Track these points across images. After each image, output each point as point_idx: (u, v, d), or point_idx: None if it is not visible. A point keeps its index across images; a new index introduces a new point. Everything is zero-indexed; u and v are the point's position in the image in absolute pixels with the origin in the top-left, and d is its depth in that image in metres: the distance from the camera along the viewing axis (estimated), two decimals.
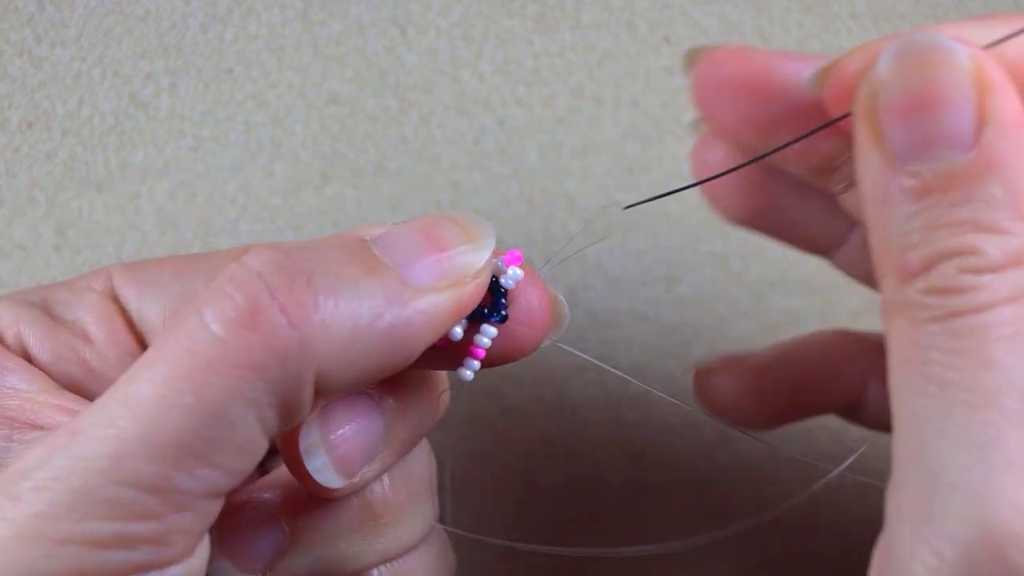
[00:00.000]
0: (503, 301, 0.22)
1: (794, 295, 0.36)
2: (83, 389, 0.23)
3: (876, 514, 0.37)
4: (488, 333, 0.22)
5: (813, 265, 0.36)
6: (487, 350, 0.22)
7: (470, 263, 0.21)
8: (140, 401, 0.17)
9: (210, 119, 0.36)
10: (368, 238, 0.20)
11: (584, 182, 0.36)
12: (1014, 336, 0.18)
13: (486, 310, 0.22)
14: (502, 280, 0.22)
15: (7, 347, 0.23)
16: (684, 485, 0.35)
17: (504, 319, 0.22)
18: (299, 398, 0.19)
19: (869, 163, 0.19)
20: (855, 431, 0.36)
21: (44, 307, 0.24)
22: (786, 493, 0.36)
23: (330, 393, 0.20)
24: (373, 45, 0.37)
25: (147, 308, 0.24)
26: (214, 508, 0.19)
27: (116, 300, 0.24)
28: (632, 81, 0.37)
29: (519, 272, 0.22)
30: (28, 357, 0.23)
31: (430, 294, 0.20)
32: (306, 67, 0.36)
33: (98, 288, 0.24)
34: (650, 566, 0.35)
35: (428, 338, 0.20)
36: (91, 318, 0.24)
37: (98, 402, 0.18)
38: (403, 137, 0.36)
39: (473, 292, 0.21)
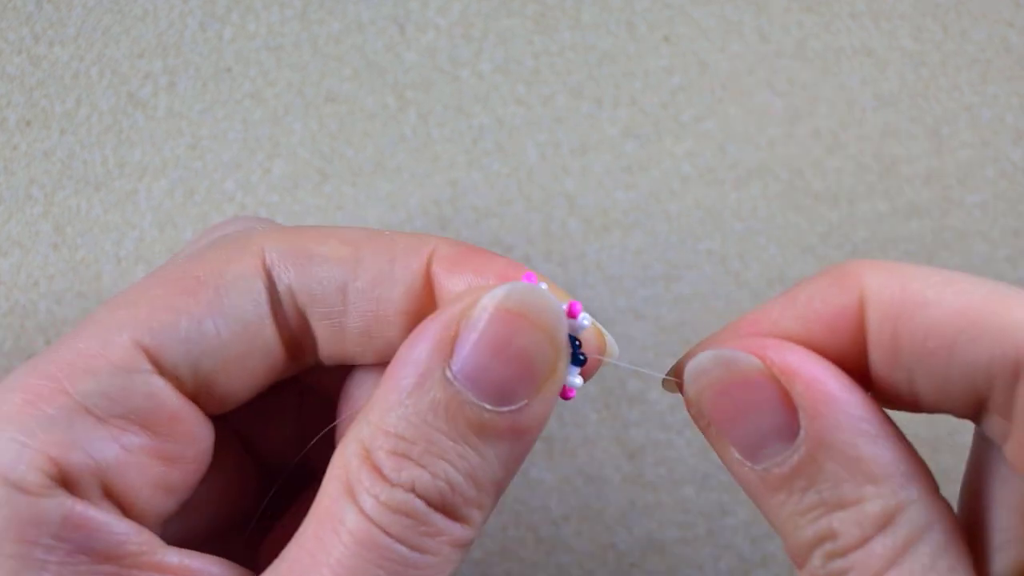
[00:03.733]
0: (579, 348, 0.22)
1: None
2: (168, 483, 0.22)
3: None
4: (574, 372, 0.22)
5: (812, 264, 0.36)
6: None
7: (554, 357, 0.20)
8: None
9: (208, 118, 0.36)
10: (450, 377, 0.19)
11: (583, 181, 0.36)
12: None
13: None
14: (572, 329, 0.22)
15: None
16: (683, 482, 0.35)
17: (583, 362, 0.22)
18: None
19: (730, 464, 0.20)
20: None
21: (83, 411, 0.21)
22: None
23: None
24: (372, 43, 0.36)
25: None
26: None
27: (164, 372, 0.22)
28: (631, 80, 0.37)
29: (586, 323, 0.22)
30: (105, 484, 0.21)
31: (538, 407, 0.20)
32: (305, 65, 0.36)
33: (141, 368, 0.22)
34: (650, 564, 0.35)
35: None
36: (148, 406, 0.21)
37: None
38: (402, 135, 0.36)
39: (562, 375, 0.21)
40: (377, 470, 0.19)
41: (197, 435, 0.22)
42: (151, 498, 0.21)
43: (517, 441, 0.20)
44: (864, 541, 0.18)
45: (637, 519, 0.35)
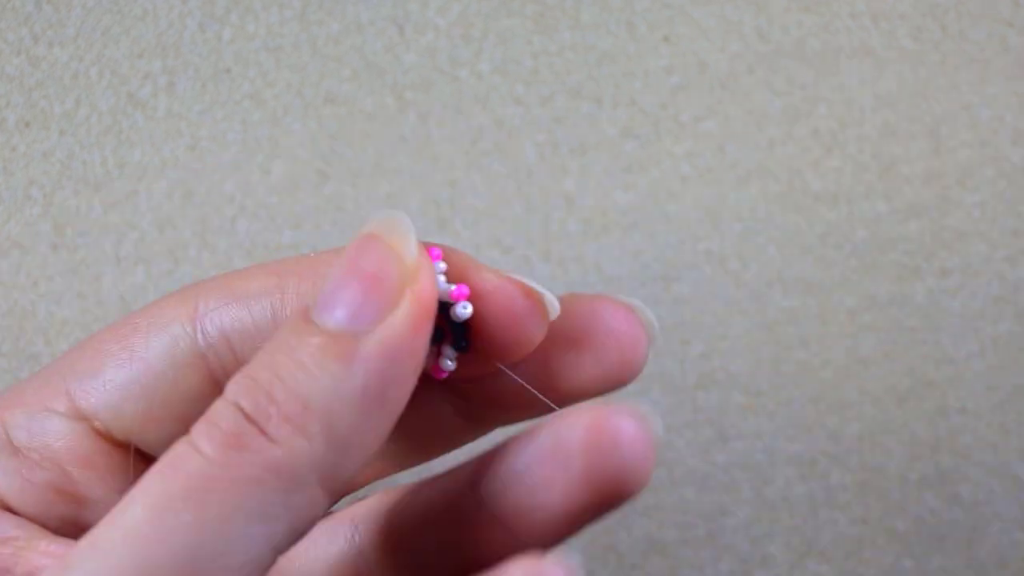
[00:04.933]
0: (465, 333, 0.22)
1: (792, 294, 0.36)
2: (79, 521, 0.22)
3: (876, 514, 0.37)
4: (449, 355, 0.22)
5: (811, 264, 0.36)
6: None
7: (401, 274, 0.19)
8: (135, 525, 0.17)
9: (208, 118, 0.36)
10: (311, 306, 0.19)
11: (582, 181, 0.36)
12: None
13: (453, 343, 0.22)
14: (452, 314, 0.21)
15: None
16: (683, 483, 0.35)
17: (464, 349, 0.22)
18: (308, 502, 0.18)
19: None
20: (853, 429, 0.36)
21: (7, 442, 0.22)
22: (785, 491, 0.36)
23: (353, 472, 0.19)
24: (371, 44, 0.36)
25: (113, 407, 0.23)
26: None
27: (81, 417, 0.22)
28: (630, 80, 0.37)
29: (466, 312, 0.21)
30: (4, 505, 0.22)
31: (381, 331, 0.19)
32: (304, 66, 0.36)
33: (61, 410, 0.22)
34: (650, 565, 0.35)
35: (408, 370, 0.19)
36: (61, 446, 0.22)
37: (90, 534, 0.17)
38: (401, 136, 0.36)
39: (419, 300, 0.20)
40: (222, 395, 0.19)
41: (116, 482, 0.22)
42: (57, 530, 0.22)
43: (355, 367, 0.19)
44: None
45: (637, 520, 0.35)
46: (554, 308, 0.22)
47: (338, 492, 0.19)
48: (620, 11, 0.37)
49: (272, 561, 0.18)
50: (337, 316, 0.19)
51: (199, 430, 0.18)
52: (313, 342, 0.19)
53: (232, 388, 0.19)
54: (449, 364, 0.22)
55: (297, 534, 0.19)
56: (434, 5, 0.37)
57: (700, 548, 0.36)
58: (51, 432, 0.22)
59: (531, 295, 0.22)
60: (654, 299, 0.36)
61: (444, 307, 0.21)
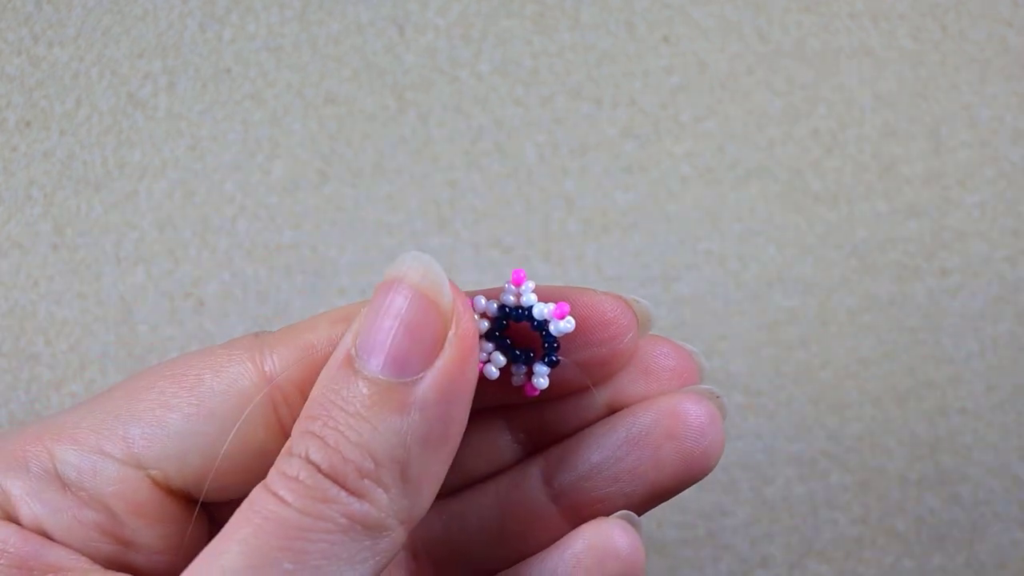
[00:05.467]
0: (554, 346, 0.22)
1: (792, 295, 0.36)
2: (123, 560, 0.22)
3: (876, 515, 0.37)
4: (541, 372, 0.22)
5: (811, 265, 0.36)
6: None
7: (443, 320, 0.20)
8: (234, 568, 0.18)
9: (208, 118, 0.36)
10: (353, 353, 0.20)
11: (582, 181, 0.36)
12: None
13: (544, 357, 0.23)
14: (551, 330, 0.22)
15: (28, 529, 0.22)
16: None
17: (556, 363, 0.22)
18: (391, 544, 0.19)
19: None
20: (853, 429, 0.36)
21: (55, 476, 0.22)
22: (785, 491, 0.36)
23: (427, 507, 0.20)
24: (371, 44, 0.36)
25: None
26: None
27: (139, 465, 0.22)
28: (630, 81, 0.37)
29: (570, 326, 0.22)
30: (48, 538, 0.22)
31: (432, 377, 0.20)
32: (304, 66, 0.36)
33: (117, 455, 0.22)
34: (650, 565, 0.35)
35: (462, 407, 0.20)
36: (114, 491, 0.22)
37: (188, 571, 0.18)
38: (401, 136, 0.36)
39: (463, 340, 0.20)
40: (287, 449, 0.19)
41: (166, 528, 0.22)
42: (101, 564, 0.22)
43: (413, 415, 0.19)
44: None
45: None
46: (648, 317, 0.23)
47: (414, 525, 0.20)
48: (620, 11, 0.37)
49: None
50: (385, 364, 0.19)
51: (279, 482, 0.19)
52: (364, 393, 0.19)
53: (300, 443, 0.19)
54: (542, 383, 0.23)
55: (381, 569, 0.19)
56: (434, 6, 0.37)
57: (700, 548, 0.36)
58: (104, 476, 0.22)
59: (626, 305, 0.23)
60: (654, 299, 0.36)
61: (540, 326, 0.22)
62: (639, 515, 0.23)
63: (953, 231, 0.36)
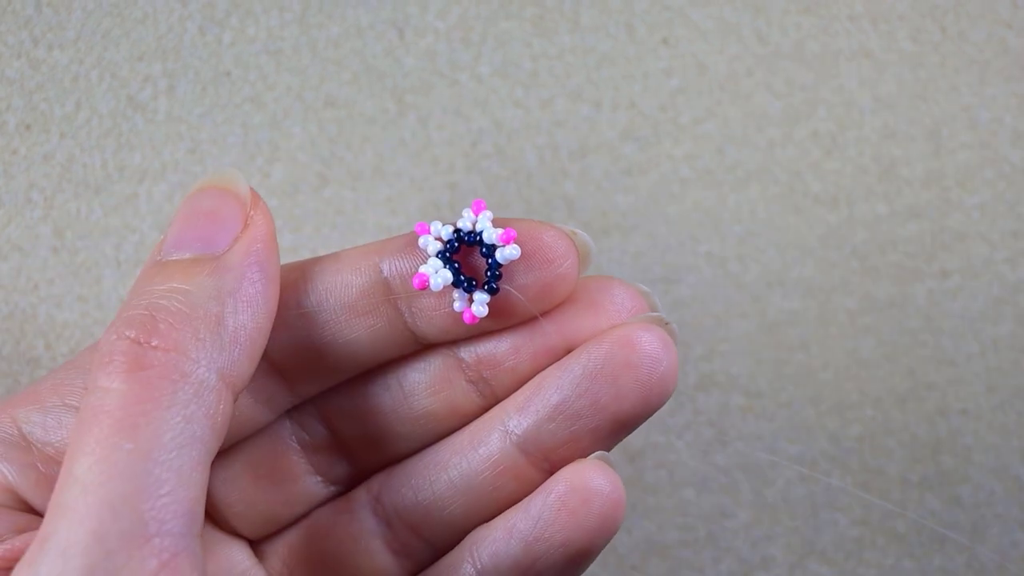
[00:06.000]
0: (496, 273, 0.23)
1: (792, 296, 0.36)
2: None
3: (876, 515, 0.37)
4: (481, 300, 0.23)
5: (811, 266, 0.36)
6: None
7: (241, 202, 0.22)
8: (89, 475, 0.18)
9: (208, 121, 0.36)
10: (159, 257, 0.22)
11: (582, 184, 0.36)
12: None
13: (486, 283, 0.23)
14: (497, 256, 0.23)
15: None
16: (683, 485, 0.35)
17: (495, 291, 0.23)
18: (216, 398, 0.20)
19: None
20: (853, 430, 0.36)
21: (20, 436, 0.23)
22: (785, 492, 0.36)
23: (249, 371, 0.21)
24: (371, 47, 0.37)
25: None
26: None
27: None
28: (630, 83, 0.37)
29: (515, 252, 0.23)
30: (21, 504, 0.23)
31: (242, 242, 0.22)
32: (304, 69, 0.36)
33: (78, 404, 0.23)
34: (650, 566, 0.35)
35: (272, 272, 0.22)
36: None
37: (53, 499, 0.19)
38: (401, 139, 0.36)
39: (266, 216, 0.23)
40: (100, 344, 0.20)
41: None
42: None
43: (224, 276, 0.21)
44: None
45: (637, 522, 0.35)
46: (588, 248, 0.24)
47: (239, 389, 0.21)
48: (619, 13, 0.37)
49: (207, 461, 0.20)
50: (193, 248, 0.22)
51: (99, 373, 0.19)
52: (177, 269, 0.21)
53: (111, 329, 0.20)
54: (481, 310, 0.23)
55: (218, 432, 0.20)
56: (434, 8, 0.37)
57: (700, 550, 0.36)
58: (69, 427, 0.23)
59: (565, 234, 0.23)
60: None
61: (488, 251, 0.23)
62: (608, 450, 0.24)
63: (953, 233, 0.36)
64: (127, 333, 0.20)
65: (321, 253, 0.36)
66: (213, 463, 0.20)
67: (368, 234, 0.36)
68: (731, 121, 0.36)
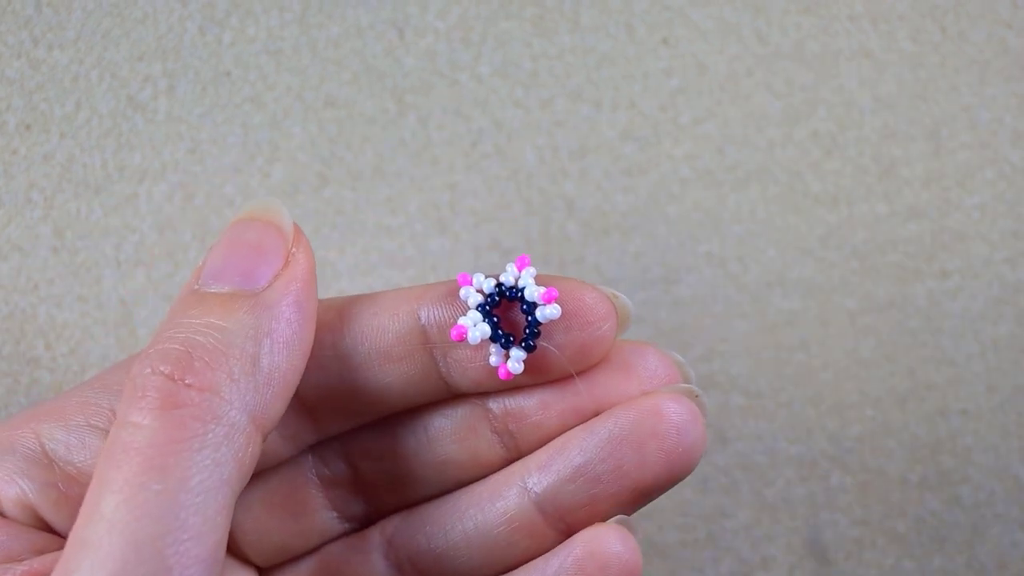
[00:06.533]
0: (535, 331, 0.23)
1: (792, 296, 0.36)
2: None
3: (877, 515, 0.37)
4: (517, 357, 0.23)
5: (811, 266, 0.36)
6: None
7: (284, 239, 0.22)
8: (115, 513, 0.18)
9: (208, 121, 0.36)
10: (196, 287, 0.22)
11: (582, 184, 0.36)
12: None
13: (524, 340, 0.23)
14: (538, 314, 0.23)
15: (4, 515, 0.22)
16: (683, 485, 0.35)
17: (532, 349, 0.23)
18: (246, 440, 0.20)
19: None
20: (853, 431, 0.36)
21: (43, 454, 0.23)
22: (785, 493, 0.36)
23: (280, 410, 0.21)
24: (371, 47, 0.37)
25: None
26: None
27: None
28: (630, 83, 0.37)
29: (556, 312, 0.23)
30: (39, 522, 0.22)
31: (283, 281, 0.22)
32: (304, 69, 0.36)
33: (104, 426, 0.23)
34: (651, 567, 0.35)
35: (310, 311, 0.22)
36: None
37: (74, 534, 0.19)
38: (401, 139, 0.36)
39: (308, 255, 0.22)
40: (131, 379, 0.20)
41: None
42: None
43: (262, 314, 0.21)
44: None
45: (637, 523, 0.35)
46: (628, 311, 0.24)
47: (269, 430, 0.21)
48: (619, 14, 0.37)
49: (231, 504, 0.20)
50: (233, 282, 0.21)
51: (130, 407, 0.19)
52: (216, 303, 0.21)
53: (145, 361, 0.20)
54: (517, 367, 0.23)
55: (245, 474, 0.20)
56: (434, 8, 0.37)
57: (701, 550, 0.36)
58: (92, 449, 0.23)
59: (606, 296, 0.23)
60: (654, 301, 0.36)
61: (529, 308, 0.23)
62: (628, 515, 0.24)
63: (953, 233, 0.36)
64: (162, 368, 0.20)
65: (321, 253, 0.36)
66: None
67: (368, 234, 0.36)
68: (731, 121, 0.36)
